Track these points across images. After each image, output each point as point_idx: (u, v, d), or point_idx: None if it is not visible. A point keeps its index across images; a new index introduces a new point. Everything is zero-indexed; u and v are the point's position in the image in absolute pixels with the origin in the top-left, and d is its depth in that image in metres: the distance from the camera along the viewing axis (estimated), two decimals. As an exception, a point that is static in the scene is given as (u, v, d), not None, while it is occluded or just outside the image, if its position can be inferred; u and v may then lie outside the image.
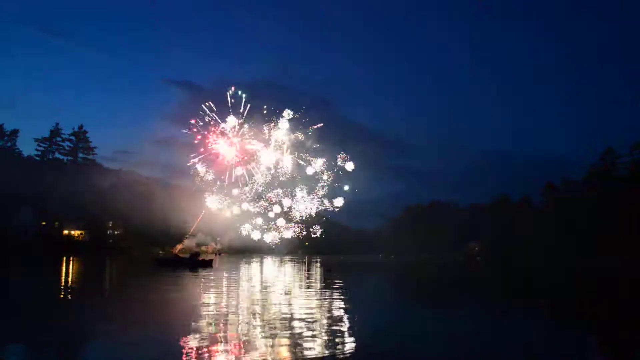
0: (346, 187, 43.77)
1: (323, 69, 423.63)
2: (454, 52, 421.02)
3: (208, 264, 45.59)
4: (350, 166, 42.44)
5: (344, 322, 14.93)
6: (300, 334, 12.53)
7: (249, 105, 41.43)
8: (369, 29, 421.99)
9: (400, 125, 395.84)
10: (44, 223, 79.68)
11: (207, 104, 41.31)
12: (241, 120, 41.63)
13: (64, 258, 55.31)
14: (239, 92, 40.99)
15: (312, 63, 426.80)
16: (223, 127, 41.66)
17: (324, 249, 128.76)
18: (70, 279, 31.44)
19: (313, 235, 45.15)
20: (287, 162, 42.87)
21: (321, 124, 42.88)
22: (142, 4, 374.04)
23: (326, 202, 43.08)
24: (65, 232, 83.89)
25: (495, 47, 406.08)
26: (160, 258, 49.03)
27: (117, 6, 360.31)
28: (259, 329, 13.40)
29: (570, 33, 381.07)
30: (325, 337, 12.17)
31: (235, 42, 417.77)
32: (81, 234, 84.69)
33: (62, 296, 21.44)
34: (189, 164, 42.26)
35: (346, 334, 12.86)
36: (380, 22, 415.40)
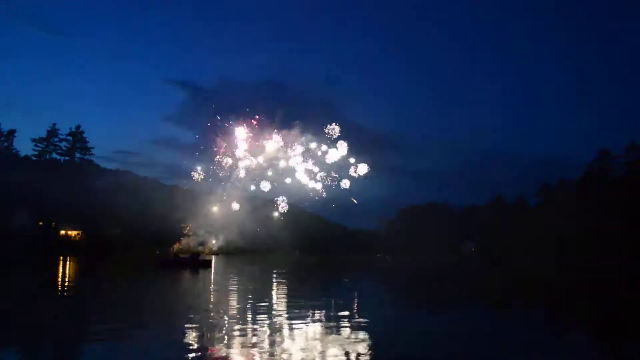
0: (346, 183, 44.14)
1: (323, 69, 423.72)
2: (451, 53, 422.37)
3: (208, 265, 45.76)
4: (363, 169, 42.90)
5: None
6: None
7: None
8: (370, 30, 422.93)
9: (397, 125, 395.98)
10: (40, 223, 79.40)
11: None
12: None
13: (61, 258, 55.22)
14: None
15: (313, 63, 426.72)
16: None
17: (321, 250, 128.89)
18: (67, 279, 31.45)
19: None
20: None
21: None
22: (142, 3, 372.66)
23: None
24: (62, 232, 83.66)
25: (492, 48, 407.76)
26: (159, 258, 49.07)
27: (116, 5, 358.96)
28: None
29: (568, 33, 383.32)
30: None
31: (235, 42, 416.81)
32: (78, 234, 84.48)
33: (59, 296, 21.48)
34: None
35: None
36: (381, 23, 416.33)
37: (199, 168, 42.79)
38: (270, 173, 43.54)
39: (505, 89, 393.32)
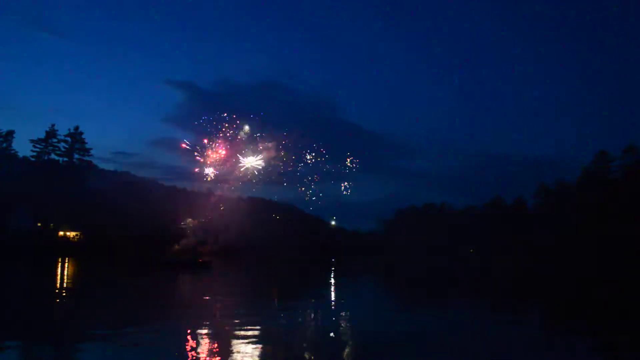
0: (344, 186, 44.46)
1: (323, 71, 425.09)
2: (450, 54, 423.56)
3: (207, 266, 45.72)
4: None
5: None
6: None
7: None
8: (370, 31, 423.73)
9: (396, 127, 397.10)
10: (39, 224, 79.24)
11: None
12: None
13: (60, 259, 55.16)
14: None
15: (313, 64, 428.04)
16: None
17: (320, 251, 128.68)
18: (66, 280, 31.45)
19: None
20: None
21: None
22: (142, 4, 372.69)
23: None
24: (61, 233, 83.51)
25: (491, 49, 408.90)
26: (159, 260, 49.06)
27: (116, 6, 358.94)
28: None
29: (565, 34, 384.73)
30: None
31: (236, 43, 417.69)
32: (77, 235, 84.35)
33: (57, 297, 21.50)
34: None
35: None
36: (381, 24, 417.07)
37: (210, 170, 43.11)
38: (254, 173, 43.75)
39: (504, 90, 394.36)
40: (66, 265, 46.66)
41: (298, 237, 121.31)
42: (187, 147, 44.28)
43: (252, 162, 43.41)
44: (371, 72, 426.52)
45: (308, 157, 43.51)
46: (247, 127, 43.14)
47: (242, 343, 11.44)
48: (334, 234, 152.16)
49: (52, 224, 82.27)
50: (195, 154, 42.97)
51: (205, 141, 43.03)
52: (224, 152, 43.11)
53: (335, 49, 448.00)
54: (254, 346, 11.05)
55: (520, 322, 17.22)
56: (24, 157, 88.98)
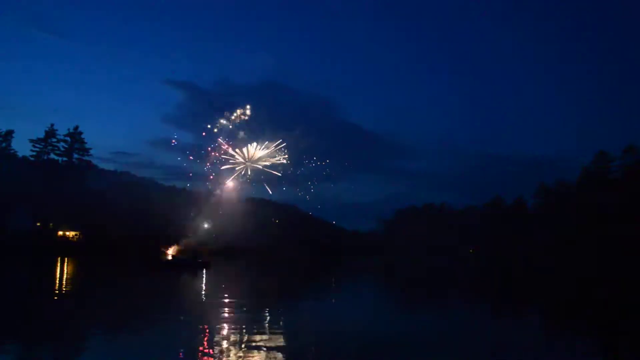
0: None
1: (324, 71, 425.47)
2: (450, 54, 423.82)
3: (206, 266, 45.72)
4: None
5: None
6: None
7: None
8: (370, 31, 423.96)
9: (396, 127, 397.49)
10: (38, 224, 79.18)
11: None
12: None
13: (59, 259, 55.11)
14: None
15: (313, 64, 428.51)
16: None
17: (320, 251, 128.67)
18: (65, 280, 31.39)
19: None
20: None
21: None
22: (142, 4, 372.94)
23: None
24: (60, 233, 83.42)
25: (491, 50, 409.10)
26: (158, 260, 49.08)
27: (116, 6, 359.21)
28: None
29: (564, 34, 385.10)
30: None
31: (236, 44, 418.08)
32: (76, 235, 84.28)
33: (57, 297, 21.44)
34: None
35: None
36: (380, 24, 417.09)
37: (210, 170, 43.14)
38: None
39: (504, 90, 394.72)
40: (65, 265, 46.60)
41: (298, 237, 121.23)
42: (175, 143, 44.57)
43: (252, 162, 43.49)
44: (371, 72, 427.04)
45: (308, 158, 43.56)
46: (246, 128, 43.23)
47: (242, 343, 11.41)
48: (334, 234, 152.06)
49: (51, 224, 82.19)
50: (187, 152, 43.11)
51: (204, 134, 43.10)
52: (223, 152, 43.13)
53: (335, 49, 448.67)
54: (253, 346, 11.01)
55: (520, 322, 17.18)
56: (24, 157, 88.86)
